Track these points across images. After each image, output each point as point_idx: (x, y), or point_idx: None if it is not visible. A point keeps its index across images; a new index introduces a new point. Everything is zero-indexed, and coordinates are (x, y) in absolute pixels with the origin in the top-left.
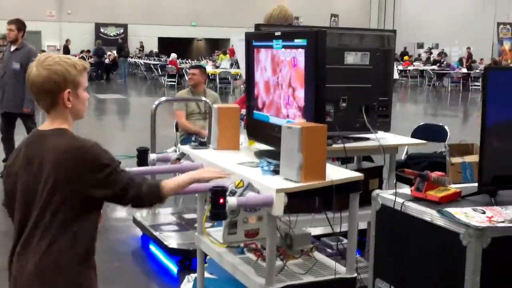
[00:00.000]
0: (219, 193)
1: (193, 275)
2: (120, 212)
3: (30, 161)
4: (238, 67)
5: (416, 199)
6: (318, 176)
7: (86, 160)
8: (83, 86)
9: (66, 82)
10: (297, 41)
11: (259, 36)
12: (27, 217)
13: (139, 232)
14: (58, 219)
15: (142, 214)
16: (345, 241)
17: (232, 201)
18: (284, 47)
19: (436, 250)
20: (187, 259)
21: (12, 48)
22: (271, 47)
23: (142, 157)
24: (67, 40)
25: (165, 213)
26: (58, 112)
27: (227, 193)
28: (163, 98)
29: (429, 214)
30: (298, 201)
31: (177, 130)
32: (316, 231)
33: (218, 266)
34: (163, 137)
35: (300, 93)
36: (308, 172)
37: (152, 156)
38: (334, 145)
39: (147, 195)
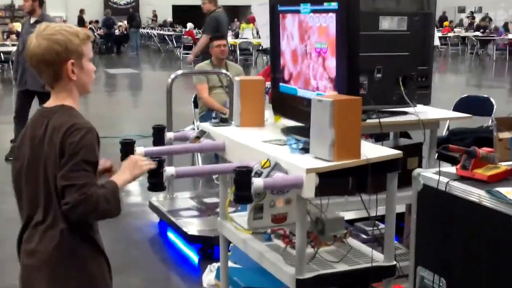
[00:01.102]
0: (243, 174)
1: (216, 265)
2: (135, 196)
3: (34, 140)
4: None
5: (462, 178)
6: (352, 154)
7: (69, 137)
8: (87, 56)
9: (69, 52)
10: (327, 5)
11: (284, 0)
12: (34, 201)
13: (156, 218)
14: (54, 200)
15: (158, 199)
16: (381, 226)
17: (258, 182)
18: (313, 11)
19: (485, 234)
20: (208, 247)
21: (32, 20)
22: (298, 11)
23: (158, 135)
24: (81, 10)
25: (184, 198)
26: (62, 86)
27: (252, 174)
28: (180, 72)
29: (477, 195)
30: (330, 182)
31: (195, 106)
32: (349, 215)
33: (243, 254)
34: (180, 114)
35: (331, 63)
36: (341, 149)
37: (169, 135)
38: (368, 120)
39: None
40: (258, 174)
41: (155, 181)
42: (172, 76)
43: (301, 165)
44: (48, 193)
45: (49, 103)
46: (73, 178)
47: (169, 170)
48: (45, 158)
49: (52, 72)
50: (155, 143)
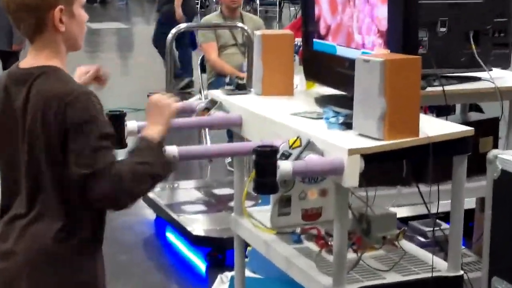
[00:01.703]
0: (266, 155)
1: (229, 274)
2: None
3: (6, 114)
4: None
5: None
6: (408, 131)
7: (69, 110)
8: (79, 1)
9: None
10: None
11: None
12: (12, 189)
13: (151, 215)
14: (46, 190)
15: (155, 189)
16: (444, 225)
17: (285, 166)
18: None
19: None
20: (219, 251)
21: None
22: None
23: None
24: None
25: (188, 188)
26: (46, 40)
27: (278, 156)
28: (183, 25)
29: None
30: (379, 168)
31: (202, 70)
32: (403, 211)
33: (265, 260)
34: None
35: (382, 12)
36: (393, 125)
37: None
38: (429, 89)
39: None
40: (286, 156)
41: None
42: (173, 31)
43: (342, 144)
44: (36, 180)
45: (27, 63)
46: (96, 163)
47: (169, 150)
48: (30, 137)
49: (34, 21)
50: None
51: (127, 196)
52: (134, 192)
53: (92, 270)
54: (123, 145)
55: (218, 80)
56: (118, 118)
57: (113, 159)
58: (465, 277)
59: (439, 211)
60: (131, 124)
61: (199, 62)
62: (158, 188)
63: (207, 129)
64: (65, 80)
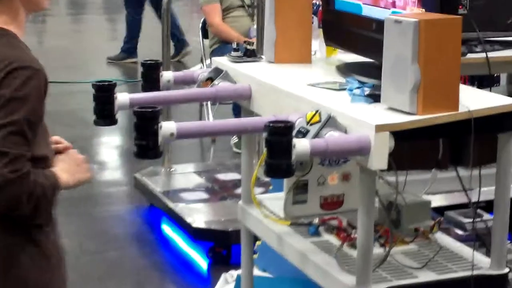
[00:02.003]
0: (279, 132)
1: (234, 273)
2: (114, 170)
3: None
4: None
5: None
6: (445, 104)
7: (5, 80)
8: None
9: None
10: None
11: None
12: None
13: (144, 203)
14: None
15: (148, 173)
16: (487, 216)
17: (302, 146)
18: None
19: None
20: (223, 246)
21: None
22: None
23: (149, 76)
24: None
25: (187, 172)
26: (3, 6)
27: (294, 133)
28: None
29: None
30: (411, 148)
31: (205, 36)
32: (438, 199)
33: (276, 256)
34: None
35: None
36: (429, 97)
37: (166, 76)
38: (470, 55)
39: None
40: (303, 133)
41: (146, 143)
42: None
43: (368, 120)
44: None
45: None
46: (5, 144)
47: (167, 126)
48: None
49: None
50: (146, 87)
51: (12, 195)
52: (16, 198)
53: (39, 277)
54: (113, 121)
55: (222, 46)
56: (106, 90)
57: (25, 152)
58: (510, 275)
59: (480, 199)
60: (122, 97)
61: (200, 26)
62: (152, 172)
63: (209, 104)
64: (17, 47)
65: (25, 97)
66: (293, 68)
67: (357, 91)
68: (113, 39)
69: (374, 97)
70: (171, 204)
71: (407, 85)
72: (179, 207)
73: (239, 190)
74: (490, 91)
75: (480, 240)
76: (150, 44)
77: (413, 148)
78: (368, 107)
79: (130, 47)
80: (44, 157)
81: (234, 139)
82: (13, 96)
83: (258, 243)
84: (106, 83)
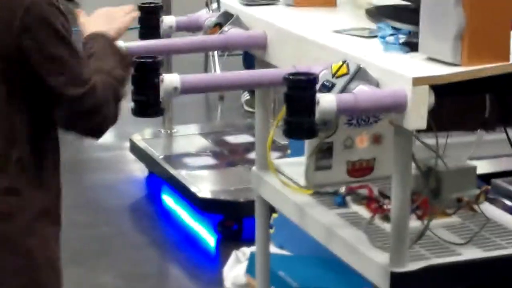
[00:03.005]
0: (301, 85)
1: (247, 250)
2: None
3: None
4: None
5: None
6: (494, 53)
7: (30, 14)
8: None
9: None
10: None
11: None
12: None
13: (142, 170)
14: None
15: (147, 136)
16: None
17: (327, 101)
18: None
19: None
20: (234, 219)
21: None
22: None
23: (148, 21)
24: None
25: (191, 134)
26: None
27: (317, 87)
28: None
29: None
30: (453, 105)
31: None
32: (484, 165)
33: (296, 231)
34: None
35: None
36: (475, 45)
37: (168, 20)
38: None
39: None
40: (328, 88)
41: (146, 98)
42: None
43: (404, 71)
44: None
45: None
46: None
47: (169, 79)
48: None
49: None
50: (144, 34)
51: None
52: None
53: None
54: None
55: None
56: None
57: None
58: None
59: None
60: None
61: None
62: (150, 134)
63: (216, 54)
64: None
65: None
66: (315, 12)
67: (391, 39)
68: None
69: (411, 46)
70: (172, 171)
71: (449, 31)
72: (182, 175)
73: (251, 155)
74: None
75: None
76: None
77: (456, 105)
78: (404, 57)
79: None
80: None
81: (246, 95)
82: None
83: (274, 215)
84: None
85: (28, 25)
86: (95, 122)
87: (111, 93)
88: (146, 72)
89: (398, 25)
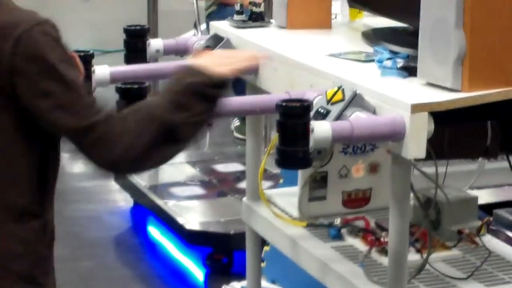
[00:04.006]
0: (295, 112)
1: (238, 285)
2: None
3: None
4: None
5: None
6: (496, 78)
7: (21, 46)
8: None
9: None
10: None
11: None
12: None
13: (127, 201)
14: None
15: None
16: None
17: (322, 129)
18: None
19: None
20: (223, 253)
21: None
22: None
23: (134, 45)
24: None
25: (177, 162)
26: None
27: (311, 114)
28: None
29: None
30: (453, 133)
31: None
32: (486, 195)
33: (289, 265)
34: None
35: None
36: (476, 70)
37: (154, 44)
38: None
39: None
40: (322, 115)
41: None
42: None
43: (402, 98)
44: None
45: None
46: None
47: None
48: None
49: None
50: (130, 58)
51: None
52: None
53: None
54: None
55: (221, 9)
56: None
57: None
58: None
59: None
60: (101, 70)
61: None
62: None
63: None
64: (10, 7)
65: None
66: (309, 34)
67: (388, 63)
68: None
69: (409, 70)
70: (159, 202)
71: (449, 55)
72: (169, 205)
73: (242, 184)
74: None
75: None
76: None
77: (456, 132)
78: (402, 82)
79: None
80: None
81: (236, 121)
82: (36, 54)
83: (266, 248)
84: (82, 53)
85: (17, 61)
86: (110, 154)
87: (145, 129)
88: (132, 99)
89: (396, 48)
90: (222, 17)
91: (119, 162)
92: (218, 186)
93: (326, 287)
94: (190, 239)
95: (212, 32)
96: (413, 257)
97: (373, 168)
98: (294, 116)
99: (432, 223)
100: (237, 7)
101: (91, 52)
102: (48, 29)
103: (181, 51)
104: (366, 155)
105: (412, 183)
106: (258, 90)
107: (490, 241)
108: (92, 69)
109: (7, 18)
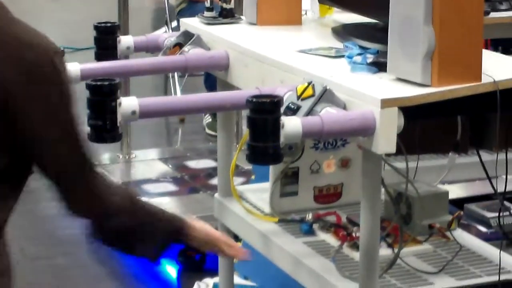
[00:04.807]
0: (265, 108)
1: (210, 281)
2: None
3: None
4: None
5: None
6: (465, 73)
7: (34, 70)
8: None
9: None
10: None
11: None
12: None
13: None
14: None
15: (102, 161)
16: None
17: (292, 125)
18: None
19: None
20: (196, 249)
21: None
22: None
23: (104, 42)
24: None
25: (149, 159)
26: None
27: (282, 110)
28: None
29: None
30: (423, 128)
31: None
32: (456, 190)
33: (261, 260)
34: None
35: None
36: (445, 65)
37: (125, 41)
38: (493, 14)
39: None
40: (293, 110)
41: (102, 123)
42: None
43: (372, 93)
44: None
45: None
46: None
47: (127, 103)
48: None
49: None
50: (101, 55)
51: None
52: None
53: None
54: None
55: (192, 5)
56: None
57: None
58: None
59: (508, 189)
60: (71, 67)
61: None
62: (108, 159)
63: (176, 75)
64: (15, 23)
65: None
66: (279, 31)
67: (358, 59)
68: None
69: (379, 66)
70: None
71: (418, 50)
72: None
73: (214, 181)
74: None
75: (507, 238)
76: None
77: (427, 128)
78: (372, 77)
79: None
80: None
81: (207, 118)
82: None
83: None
84: None
85: (24, 86)
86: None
87: (122, 208)
88: (103, 95)
89: (365, 44)
90: (193, 14)
91: (99, 216)
92: (190, 183)
93: (298, 282)
94: None
95: (182, 29)
96: (385, 251)
97: (344, 164)
98: (264, 112)
99: (403, 217)
100: (208, 4)
101: (61, 49)
102: (58, 60)
103: (152, 48)
104: (337, 150)
105: (383, 178)
106: (228, 86)
107: (461, 235)
108: None
109: (20, 32)
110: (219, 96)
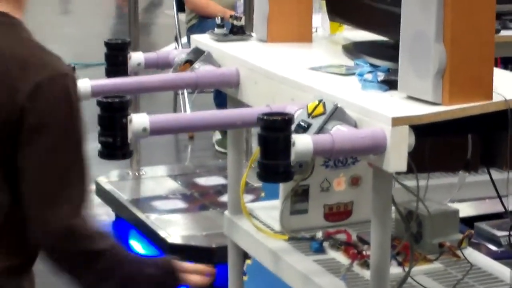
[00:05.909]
0: (276, 126)
1: None
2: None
3: None
4: None
5: None
6: (477, 92)
7: (39, 97)
8: None
9: None
10: None
11: None
12: None
13: (109, 215)
14: None
15: (113, 178)
16: None
17: (303, 143)
18: None
19: None
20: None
21: None
22: None
23: (115, 58)
24: None
25: (159, 176)
26: None
27: (293, 127)
28: None
29: None
30: (434, 146)
31: (180, 9)
32: (467, 208)
33: (271, 279)
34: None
35: None
36: (456, 83)
37: (135, 57)
38: (504, 32)
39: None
40: (303, 128)
41: (113, 140)
42: None
43: (383, 111)
44: None
45: None
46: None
47: (138, 120)
48: None
49: None
50: (111, 72)
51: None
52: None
53: None
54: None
55: (202, 22)
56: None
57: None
58: None
59: None
60: (82, 84)
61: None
62: (117, 176)
63: (185, 92)
64: (29, 41)
65: (73, 119)
66: (290, 48)
67: (369, 76)
68: (68, 12)
69: (390, 84)
70: (141, 215)
71: (429, 68)
72: (150, 219)
73: (224, 198)
74: None
75: None
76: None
77: (437, 146)
78: (383, 95)
79: None
80: None
81: (217, 135)
82: (57, 120)
83: (248, 262)
84: None
85: (31, 110)
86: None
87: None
88: (113, 112)
89: (376, 62)
90: (203, 30)
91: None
92: (199, 200)
93: None
94: (172, 253)
95: (193, 46)
96: (395, 270)
97: (355, 181)
98: (275, 130)
99: (413, 236)
100: (218, 21)
101: (72, 65)
102: (69, 83)
103: (162, 65)
104: (348, 168)
105: (394, 196)
106: (239, 104)
107: (472, 254)
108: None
109: (30, 53)
110: (230, 113)
